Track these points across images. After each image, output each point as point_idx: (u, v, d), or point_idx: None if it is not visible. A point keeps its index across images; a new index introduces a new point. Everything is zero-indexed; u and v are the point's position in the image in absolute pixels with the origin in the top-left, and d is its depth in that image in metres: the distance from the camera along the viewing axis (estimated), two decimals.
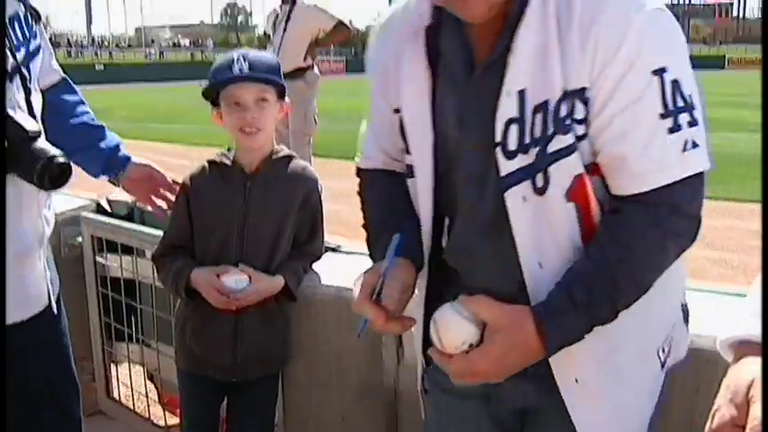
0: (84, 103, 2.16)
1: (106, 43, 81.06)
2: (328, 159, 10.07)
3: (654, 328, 1.41)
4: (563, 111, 1.24)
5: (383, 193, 1.58)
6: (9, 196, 1.65)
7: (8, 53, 1.66)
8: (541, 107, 1.25)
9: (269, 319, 2.29)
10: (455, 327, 1.24)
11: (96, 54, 66.40)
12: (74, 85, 2.15)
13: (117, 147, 2.17)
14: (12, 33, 1.70)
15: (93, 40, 75.99)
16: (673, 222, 1.26)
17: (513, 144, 1.27)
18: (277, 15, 6.88)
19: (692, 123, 1.24)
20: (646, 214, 1.25)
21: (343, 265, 2.55)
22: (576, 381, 1.36)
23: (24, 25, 1.76)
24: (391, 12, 1.49)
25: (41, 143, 1.62)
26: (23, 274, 1.77)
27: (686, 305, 1.51)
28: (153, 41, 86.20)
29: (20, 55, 1.70)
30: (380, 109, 1.51)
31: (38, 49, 1.82)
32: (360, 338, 1.39)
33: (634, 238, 1.25)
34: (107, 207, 3.42)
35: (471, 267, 1.42)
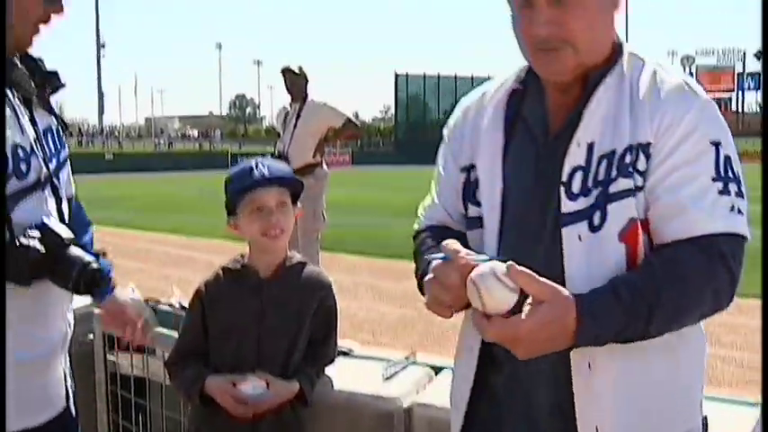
0: (91, 224, 2.18)
1: (116, 133, 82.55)
2: (334, 253, 10.12)
3: (674, 405, 1.46)
4: (628, 158, 1.40)
5: (444, 235, 1.63)
6: (38, 302, 1.71)
7: (42, 164, 1.75)
8: (608, 156, 1.41)
9: (285, 427, 2.27)
10: (498, 295, 1.28)
11: (104, 143, 67.45)
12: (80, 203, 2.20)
13: (107, 273, 2.18)
14: (46, 145, 1.79)
15: (102, 129, 77.38)
16: (718, 269, 1.36)
17: (576, 188, 1.43)
18: (287, 113, 7.04)
19: (739, 194, 1.41)
20: (697, 252, 1.35)
21: (355, 370, 2.56)
22: (597, 429, 1.40)
23: (57, 137, 1.86)
24: (473, 94, 1.70)
25: (75, 250, 1.71)
26: (46, 377, 1.81)
27: (706, 418, 1.55)
28: (162, 131, 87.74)
29: (52, 165, 1.79)
30: (449, 170, 1.67)
31: (66, 159, 1.91)
32: (428, 260, 1.42)
33: (683, 266, 1.35)
34: None
35: None
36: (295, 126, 6.77)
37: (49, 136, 1.84)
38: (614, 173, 1.40)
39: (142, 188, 30.18)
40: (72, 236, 1.73)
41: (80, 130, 73.50)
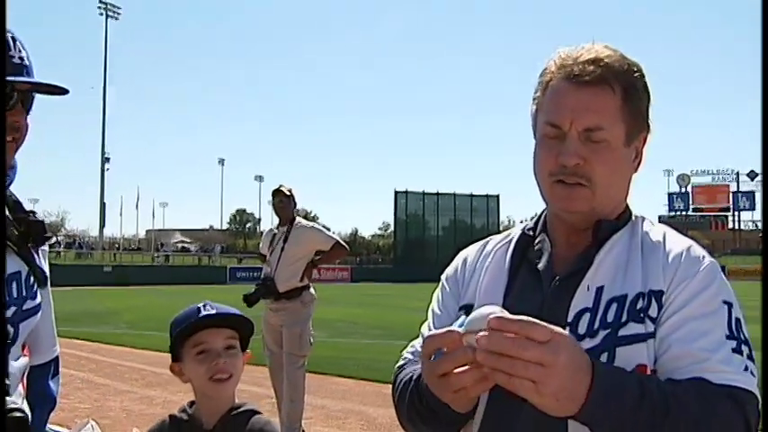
0: (55, 403, 2.08)
1: (116, 245, 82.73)
2: (325, 376, 9.76)
3: None
4: (639, 304, 1.38)
5: None
6: None
7: None
8: (618, 299, 1.39)
9: None
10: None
11: (103, 255, 67.46)
12: (59, 367, 2.10)
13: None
14: (8, 292, 1.72)
15: (102, 241, 77.61)
16: (737, 417, 1.27)
17: (582, 329, 1.39)
18: (274, 234, 6.99)
19: (750, 357, 1.36)
20: (722, 394, 1.28)
21: None
22: None
23: (24, 285, 1.79)
24: (473, 245, 1.72)
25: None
26: None
27: None
28: (162, 245, 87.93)
29: (9, 312, 1.72)
30: (448, 309, 1.62)
31: (34, 310, 1.83)
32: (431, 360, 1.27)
33: (707, 389, 1.28)
34: None
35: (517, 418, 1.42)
36: (282, 249, 6.71)
37: (14, 283, 1.77)
38: (625, 317, 1.37)
39: (139, 301, 29.93)
40: (7, 383, 1.63)
41: (80, 243, 73.50)
